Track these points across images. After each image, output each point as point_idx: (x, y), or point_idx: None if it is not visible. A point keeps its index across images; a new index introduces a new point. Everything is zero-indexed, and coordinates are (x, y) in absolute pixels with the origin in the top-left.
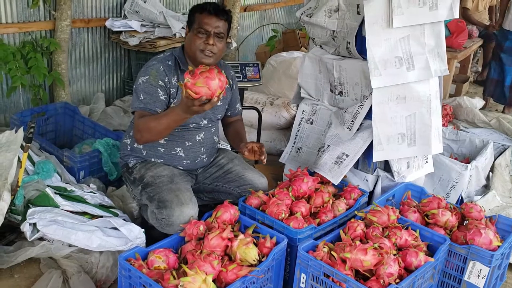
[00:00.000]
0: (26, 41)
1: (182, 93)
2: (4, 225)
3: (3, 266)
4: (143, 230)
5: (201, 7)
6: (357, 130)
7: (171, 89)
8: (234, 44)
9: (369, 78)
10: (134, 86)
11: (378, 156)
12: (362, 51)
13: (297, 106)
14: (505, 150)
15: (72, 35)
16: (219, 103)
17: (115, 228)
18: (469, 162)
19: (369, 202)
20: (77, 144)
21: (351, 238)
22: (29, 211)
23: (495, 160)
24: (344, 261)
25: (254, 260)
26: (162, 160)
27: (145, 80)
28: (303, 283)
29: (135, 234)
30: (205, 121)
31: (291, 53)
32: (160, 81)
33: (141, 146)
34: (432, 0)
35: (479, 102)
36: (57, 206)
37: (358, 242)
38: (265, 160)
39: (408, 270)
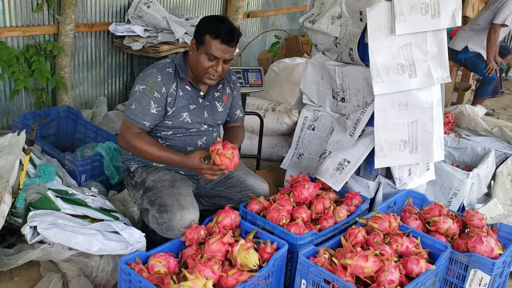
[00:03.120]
0: (29, 44)
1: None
2: (4, 228)
3: (3, 269)
4: (144, 234)
5: (215, 31)
6: (359, 136)
7: (168, 98)
8: (237, 50)
9: (371, 85)
10: (131, 91)
11: (379, 162)
12: (364, 57)
13: (299, 112)
14: (507, 158)
15: (75, 39)
16: (220, 109)
17: (116, 232)
18: (470, 170)
19: (370, 209)
20: (79, 147)
21: (352, 244)
22: (30, 214)
23: (496, 168)
24: (345, 267)
25: (254, 266)
26: (163, 165)
27: (141, 89)
28: None
29: (136, 238)
30: (205, 126)
31: (294, 59)
32: (155, 93)
33: None
34: (434, 8)
35: (481, 110)
36: (58, 209)
37: (359, 249)
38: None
39: (409, 277)
